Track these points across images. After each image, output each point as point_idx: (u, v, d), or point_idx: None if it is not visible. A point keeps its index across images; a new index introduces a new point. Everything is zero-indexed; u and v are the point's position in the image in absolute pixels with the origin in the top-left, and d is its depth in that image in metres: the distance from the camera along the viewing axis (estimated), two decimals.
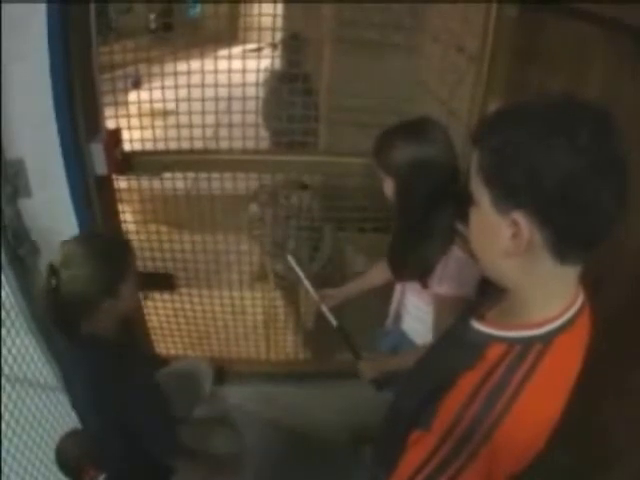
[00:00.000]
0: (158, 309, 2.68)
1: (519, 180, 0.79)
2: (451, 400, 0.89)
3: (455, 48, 2.34)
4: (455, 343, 1.06)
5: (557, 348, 0.88)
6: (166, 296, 2.66)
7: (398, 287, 1.90)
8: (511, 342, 0.89)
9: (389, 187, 1.57)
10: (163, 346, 2.85)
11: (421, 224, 1.54)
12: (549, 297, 0.90)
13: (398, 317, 1.95)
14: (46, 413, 2.20)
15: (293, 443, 2.59)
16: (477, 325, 0.98)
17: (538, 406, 0.88)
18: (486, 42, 1.95)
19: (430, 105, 2.69)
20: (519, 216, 0.80)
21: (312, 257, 2.93)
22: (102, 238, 1.75)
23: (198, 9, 6.84)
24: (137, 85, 2.35)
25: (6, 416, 1.96)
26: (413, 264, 1.61)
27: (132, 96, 2.21)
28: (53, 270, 1.50)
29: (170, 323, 2.75)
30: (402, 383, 1.26)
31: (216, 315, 2.72)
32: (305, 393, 2.78)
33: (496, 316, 0.99)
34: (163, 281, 2.54)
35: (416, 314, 1.83)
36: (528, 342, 0.88)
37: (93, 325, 1.60)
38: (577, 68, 1.56)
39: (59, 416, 2.25)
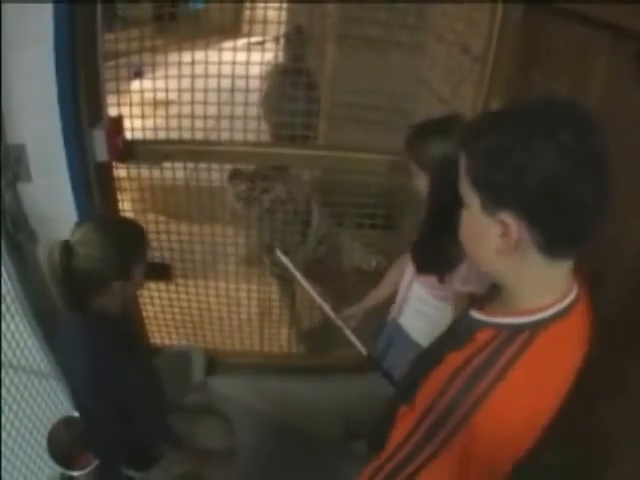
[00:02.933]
0: (154, 299, 2.68)
1: (505, 182, 0.82)
2: (435, 377, 0.94)
3: (459, 48, 2.34)
4: (452, 330, 1.12)
5: (547, 338, 0.90)
6: (162, 286, 2.66)
7: (405, 281, 1.90)
8: (500, 327, 0.93)
9: (422, 182, 1.59)
10: (158, 336, 2.85)
11: (452, 220, 1.56)
12: (540, 290, 0.92)
13: (400, 311, 1.95)
14: (38, 400, 2.20)
15: (284, 436, 2.60)
16: (472, 313, 1.02)
17: (522, 394, 0.89)
18: (490, 43, 1.96)
19: (432, 104, 2.70)
20: (507, 217, 0.83)
21: (301, 242, 2.91)
22: (118, 221, 1.81)
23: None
24: (139, 74, 2.35)
25: (8, 400, 1.96)
26: (439, 259, 1.62)
27: (135, 85, 2.20)
28: (68, 248, 1.51)
29: (165, 313, 2.75)
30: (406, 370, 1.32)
31: (211, 306, 2.73)
32: (298, 386, 2.79)
33: (493, 306, 1.02)
34: (160, 271, 2.54)
35: (419, 308, 1.83)
36: (516, 329, 0.91)
37: (102, 304, 1.61)
38: (580, 72, 1.57)
39: (51, 403, 2.26)
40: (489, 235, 0.88)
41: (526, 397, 0.90)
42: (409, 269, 1.86)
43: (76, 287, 1.53)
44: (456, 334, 1.04)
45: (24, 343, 2.04)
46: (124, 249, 1.60)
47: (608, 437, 1.42)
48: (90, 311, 1.61)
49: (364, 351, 1.87)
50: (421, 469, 0.94)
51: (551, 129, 0.79)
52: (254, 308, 2.81)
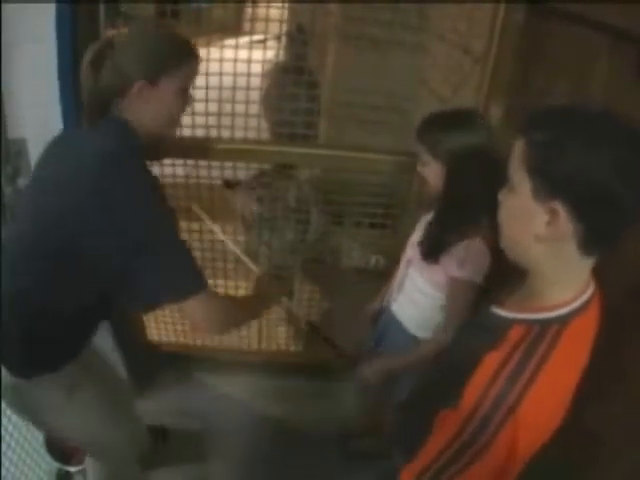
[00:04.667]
0: None
1: (563, 174, 0.87)
2: (476, 379, 0.96)
3: (460, 49, 2.35)
4: (479, 328, 1.14)
5: (572, 329, 0.96)
6: None
7: (402, 267, 1.92)
8: (530, 323, 0.98)
9: (432, 171, 1.62)
10: (156, 332, 2.86)
11: (461, 208, 1.61)
12: (567, 282, 0.99)
13: (394, 297, 1.96)
14: None
15: (282, 434, 2.61)
16: (498, 310, 1.07)
17: (556, 383, 0.96)
18: (491, 44, 1.96)
19: (432, 104, 2.70)
20: (559, 207, 0.88)
21: (301, 241, 2.92)
22: (169, 31, 1.54)
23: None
24: None
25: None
26: (440, 241, 1.66)
27: None
28: (109, 42, 1.41)
29: (163, 310, 2.75)
30: (427, 370, 1.39)
31: None
32: (294, 385, 2.80)
33: (515, 301, 1.07)
34: None
35: (412, 295, 1.85)
36: (546, 323, 0.97)
37: (123, 111, 1.45)
38: (580, 73, 1.58)
39: None
40: (534, 221, 0.92)
41: (559, 383, 0.98)
42: (406, 256, 1.88)
43: (100, 86, 1.41)
44: (484, 331, 1.07)
45: None
46: (159, 50, 1.44)
47: (602, 436, 1.43)
48: (110, 115, 1.46)
49: (255, 269, 2.03)
50: (466, 468, 0.98)
51: (614, 137, 0.86)
52: None
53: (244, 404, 2.71)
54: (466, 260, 1.61)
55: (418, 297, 1.83)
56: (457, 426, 0.97)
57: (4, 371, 1.47)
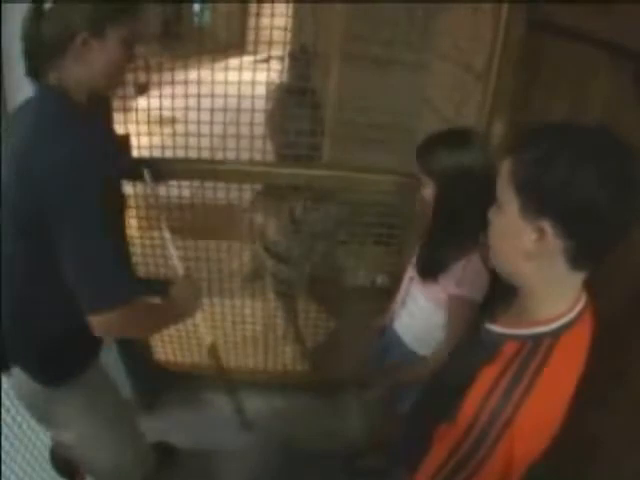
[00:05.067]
0: None
1: (552, 193, 0.88)
2: (473, 394, 0.97)
3: (462, 66, 2.37)
4: (474, 344, 1.15)
5: (565, 343, 0.98)
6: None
7: (404, 285, 1.93)
8: (523, 339, 0.99)
9: (429, 192, 1.64)
10: (162, 351, 2.86)
11: (453, 226, 1.63)
12: (558, 297, 1.00)
13: (396, 315, 1.97)
14: None
15: (288, 452, 2.60)
16: (491, 327, 1.08)
17: (550, 395, 0.97)
18: (493, 61, 1.99)
19: (435, 123, 2.72)
20: (546, 224, 0.89)
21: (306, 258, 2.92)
22: None
23: (207, 17, 6.95)
24: (142, 91, 2.37)
25: (2, 414, 1.96)
26: (439, 259, 1.67)
27: (140, 103, 2.23)
28: None
29: (169, 329, 2.75)
30: (426, 385, 1.39)
31: (216, 323, 2.73)
32: (300, 403, 2.79)
33: (508, 317, 1.08)
34: (164, 288, 2.55)
35: (413, 312, 1.86)
36: (538, 338, 0.98)
37: (62, 75, 1.36)
38: (579, 90, 1.60)
39: None
40: (522, 238, 0.93)
41: (553, 396, 0.99)
42: (408, 274, 1.89)
43: (41, 40, 1.32)
44: (479, 347, 1.09)
45: None
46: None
47: (601, 443, 1.43)
48: (48, 81, 1.37)
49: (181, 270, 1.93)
50: None
51: (602, 153, 0.87)
52: (259, 325, 2.82)
53: (250, 423, 2.70)
54: (464, 278, 1.62)
55: (419, 315, 1.84)
56: (456, 440, 0.99)
57: (26, 378, 1.50)
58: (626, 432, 1.36)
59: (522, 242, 0.93)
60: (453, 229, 1.63)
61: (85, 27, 1.31)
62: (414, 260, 1.86)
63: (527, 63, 1.90)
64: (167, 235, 1.90)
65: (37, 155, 1.27)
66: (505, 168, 0.95)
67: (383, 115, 2.66)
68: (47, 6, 1.30)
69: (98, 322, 1.35)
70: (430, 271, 1.71)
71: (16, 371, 1.51)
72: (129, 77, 2.11)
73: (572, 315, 0.99)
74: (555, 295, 0.99)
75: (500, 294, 1.19)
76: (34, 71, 1.37)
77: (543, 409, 0.96)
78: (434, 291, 1.73)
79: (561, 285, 0.98)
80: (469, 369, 1.01)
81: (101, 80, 1.41)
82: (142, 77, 2.21)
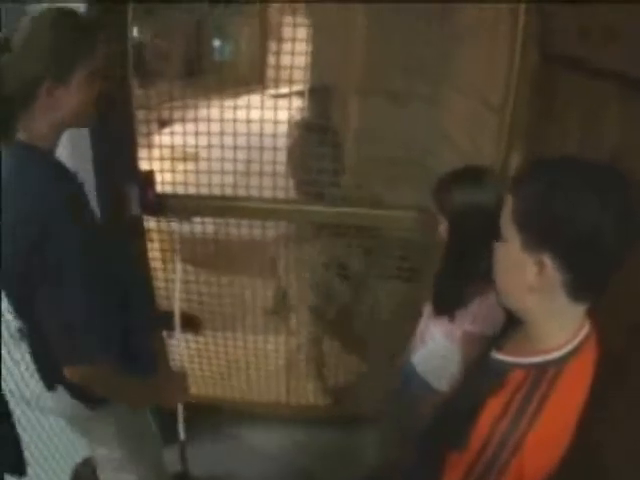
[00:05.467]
0: (181, 349, 2.72)
1: (552, 228, 0.90)
2: (482, 421, 0.98)
3: (479, 100, 2.41)
4: (480, 373, 1.16)
5: (569, 370, 0.98)
6: (189, 336, 2.71)
7: (423, 320, 1.93)
8: (528, 367, 1.00)
9: (444, 227, 1.66)
10: None
11: (467, 263, 1.63)
12: (561, 327, 1.00)
13: (415, 350, 1.97)
14: (64, 439, 2.22)
15: None
16: (497, 355, 1.09)
17: (556, 421, 0.98)
18: (509, 94, 2.02)
19: (454, 157, 2.75)
20: (547, 258, 0.91)
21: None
22: (70, 11, 1.34)
23: (227, 53, 7.13)
24: (165, 124, 2.44)
25: (25, 439, 1.98)
26: (453, 297, 1.69)
27: (164, 139, 2.31)
28: (4, 43, 1.24)
29: (193, 363, 2.79)
30: (435, 412, 1.36)
31: (238, 357, 2.75)
32: (323, 438, 2.77)
33: (513, 346, 1.09)
34: (188, 322, 2.59)
35: (430, 347, 1.86)
36: (543, 367, 0.99)
37: (31, 126, 1.30)
38: (592, 121, 1.61)
39: (77, 442, 2.25)
40: (525, 272, 0.95)
41: (560, 422, 1.00)
42: (427, 309, 1.89)
43: (3, 93, 1.24)
44: (485, 376, 1.09)
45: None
46: (66, 37, 1.27)
47: (604, 460, 1.42)
48: (17, 138, 1.30)
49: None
50: None
51: (602, 189, 0.88)
52: (281, 360, 2.84)
53: (272, 456, 2.69)
54: (479, 315, 1.63)
55: (436, 350, 1.84)
56: (467, 466, 1.00)
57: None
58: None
59: (524, 276, 0.95)
60: (466, 266, 1.64)
61: (49, 75, 1.25)
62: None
63: (541, 95, 1.93)
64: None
65: (5, 209, 1.25)
66: (507, 204, 0.98)
67: (402, 150, 2.70)
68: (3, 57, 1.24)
69: (68, 373, 1.38)
70: (445, 307, 1.73)
71: (60, 389, 1.54)
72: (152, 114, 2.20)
73: (574, 344, 1.00)
74: (558, 326, 1.00)
75: (506, 323, 1.21)
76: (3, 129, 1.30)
77: (550, 434, 0.98)
78: (450, 328, 1.74)
79: (563, 316, 1.00)
80: (477, 397, 1.03)
81: (72, 120, 1.37)
82: (164, 114, 2.29)
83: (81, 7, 1.64)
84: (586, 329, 1.03)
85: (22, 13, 1.32)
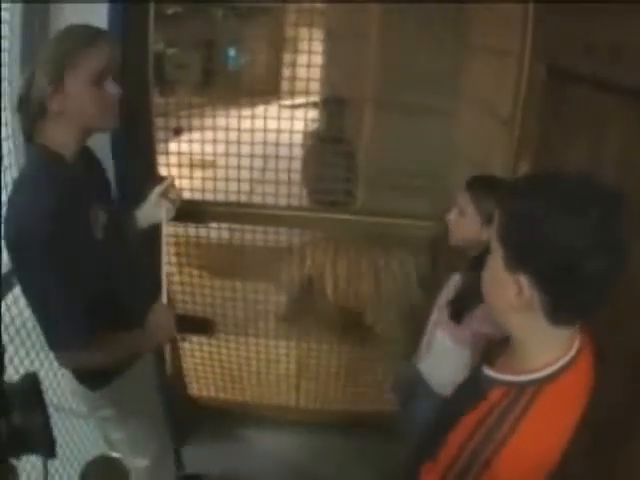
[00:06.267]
0: (194, 352, 2.79)
1: (529, 248, 0.90)
2: (456, 434, 1.00)
3: (489, 113, 2.46)
4: (467, 386, 1.17)
5: (554, 390, 0.97)
6: (202, 340, 2.76)
7: (429, 329, 1.97)
8: (509, 385, 0.99)
9: (470, 223, 1.70)
10: (196, 387, 2.95)
11: None
12: (543, 348, 0.99)
13: (422, 357, 2.00)
14: (76, 438, 2.26)
15: None
16: (486, 370, 1.07)
17: (534, 442, 0.96)
18: (517, 107, 2.08)
19: (464, 168, 2.80)
20: (523, 279, 0.91)
21: None
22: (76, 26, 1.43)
23: (243, 64, 7.23)
24: (178, 133, 2.50)
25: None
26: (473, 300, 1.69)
27: (183, 146, 2.37)
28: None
29: (205, 366, 2.84)
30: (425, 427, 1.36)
31: (250, 361, 2.81)
32: (332, 442, 2.81)
33: (502, 361, 1.08)
34: (201, 325, 2.65)
35: (439, 356, 1.89)
36: (522, 386, 0.98)
37: (47, 135, 1.41)
38: (597, 135, 1.66)
39: (87, 442, 2.32)
40: (505, 289, 0.95)
41: (538, 442, 0.97)
42: (433, 318, 1.93)
43: (23, 104, 1.38)
44: (472, 390, 1.09)
45: (57, 383, 2.06)
46: (56, 47, 1.36)
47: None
48: (35, 142, 1.42)
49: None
50: None
51: (582, 208, 0.86)
52: (292, 364, 2.89)
53: (281, 459, 2.73)
54: (486, 315, 1.65)
55: (445, 357, 1.85)
56: (438, 477, 1.01)
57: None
58: None
59: (506, 294, 0.95)
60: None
61: (47, 81, 1.33)
62: (439, 304, 1.91)
63: (549, 108, 1.98)
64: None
65: (7, 208, 1.35)
66: (495, 218, 0.98)
67: (415, 161, 2.75)
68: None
69: (58, 358, 1.48)
70: (459, 310, 1.76)
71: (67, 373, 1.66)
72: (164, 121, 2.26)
73: (560, 364, 0.98)
74: (540, 346, 0.99)
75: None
76: (26, 134, 1.42)
77: (526, 455, 0.95)
78: (458, 331, 1.77)
79: (546, 337, 0.98)
80: (458, 409, 1.04)
81: (86, 122, 1.43)
82: (175, 122, 2.35)
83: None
84: (576, 347, 1.01)
85: None
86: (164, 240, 1.80)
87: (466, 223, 1.72)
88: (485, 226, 1.66)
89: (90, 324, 1.42)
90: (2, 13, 1.62)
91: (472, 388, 1.09)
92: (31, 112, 1.37)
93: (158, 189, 1.85)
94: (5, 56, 1.72)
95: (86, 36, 1.38)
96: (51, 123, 1.38)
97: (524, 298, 0.92)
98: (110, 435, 1.83)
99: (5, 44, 1.71)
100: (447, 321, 1.80)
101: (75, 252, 1.38)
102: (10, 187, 1.47)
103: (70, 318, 1.39)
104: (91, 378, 1.63)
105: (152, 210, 1.83)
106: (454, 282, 1.87)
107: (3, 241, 1.36)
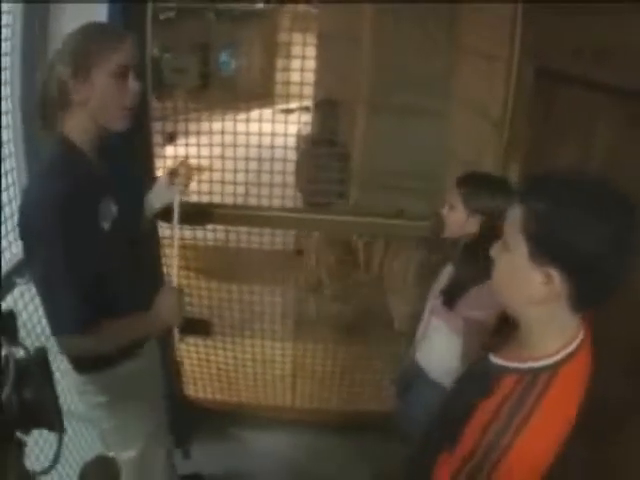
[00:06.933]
0: (191, 353, 2.81)
1: (561, 244, 0.94)
2: (472, 424, 1.03)
3: (480, 114, 2.49)
4: (476, 375, 1.19)
5: (563, 376, 1.02)
6: (199, 341, 2.79)
7: (425, 317, 2.00)
8: (522, 373, 1.03)
9: (457, 217, 1.77)
10: (193, 388, 2.97)
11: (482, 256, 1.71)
12: (557, 335, 1.04)
13: (419, 347, 2.03)
14: (74, 440, 2.24)
15: None
16: (494, 359, 1.11)
17: (548, 426, 1.01)
18: (507, 109, 2.12)
19: (458, 169, 2.83)
20: (554, 272, 0.95)
21: None
22: (98, 23, 1.53)
23: (232, 66, 7.25)
24: (172, 139, 2.53)
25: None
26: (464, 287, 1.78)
27: (179, 150, 2.40)
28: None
29: (202, 367, 2.86)
30: (433, 416, 1.38)
31: (246, 362, 2.83)
32: (328, 441, 2.83)
33: (509, 350, 1.12)
34: (199, 326, 2.67)
35: (435, 343, 1.92)
36: (537, 372, 1.02)
37: (67, 125, 1.45)
38: (585, 133, 1.70)
39: (84, 443, 2.31)
40: (530, 281, 0.98)
41: (551, 427, 1.02)
42: (429, 306, 1.97)
43: (45, 96, 1.43)
44: (481, 380, 1.11)
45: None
46: (81, 43, 1.40)
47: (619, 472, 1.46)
48: (57, 131, 1.46)
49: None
50: None
51: (608, 211, 0.93)
52: (288, 365, 2.91)
53: (278, 459, 2.74)
54: (477, 302, 1.71)
55: (442, 346, 1.89)
56: (455, 468, 1.05)
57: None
58: None
59: (529, 284, 0.98)
60: (480, 259, 1.73)
61: (70, 75, 1.37)
62: (434, 291, 1.95)
63: (538, 109, 2.02)
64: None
65: (23, 195, 1.46)
66: (515, 214, 1.01)
67: (407, 162, 2.78)
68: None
69: (61, 344, 1.51)
70: (451, 297, 1.81)
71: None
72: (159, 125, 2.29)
73: (569, 350, 1.03)
74: (554, 333, 1.04)
75: (502, 326, 1.26)
76: (45, 124, 1.47)
77: (540, 439, 1.00)
78: (451, 317, 1.81)
79: (560, 324, 1.03)
80: (469, 400, 1.07)
81: (105, 117, 1.47)
82: (171, 126, 2.39)
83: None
84: (580, 336, 1.06)
85: None
86: (176, 219, 1.78)
87: (456, 216, 1.78)
88: (471, 218, 1.75)
89: (93, 309, 1.45)
90: (3, 16, 1.65)
91: (480, 378, 1.12)
92: (51, 102, 1.41)
93: (168, 169, 1.88)
94: (7, 60, 1.74)
95: (114, 33, 1.45)
96: (71, 114, 1.43)
97: (552, 288, 0.96)
98: (98, 424, 1.84)
99: (7, 47, 1.74)
100: (441, 309, 1.85)
101: (83, 240, 1.42)
102: (12, 189, 1.50)
103: (74, 302, 1.42)
104: (81, 361, 1.64)
105: (164, 191, 1.85)
106: (448, 272, 1.92)
107: (18, 228, 1.41)
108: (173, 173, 1.84)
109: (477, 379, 1.15)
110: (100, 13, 1.77)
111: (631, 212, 0.93)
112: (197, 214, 2.29)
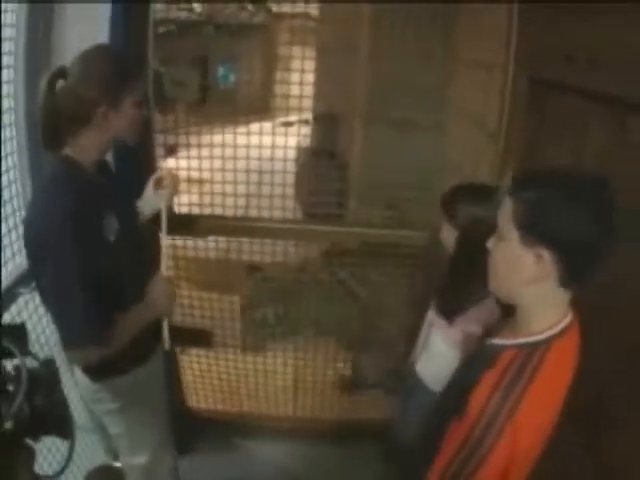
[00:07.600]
0: (192, 363, 2.83)
1: (547, 227, 1.06)
2: (478, 393, 1.12)
3: (476, 125, 2.52)
4: (476, 356, 1.32)
5: (556, 350, 1.13)
6: (200, 352, 2.81)
7: (424, 329, 2.03)
8: (520, 347, 1.15)
9: (449, 235, 1.79)
10: (194, 399, 2.98)
11: (474, 268, 1.73)
12: (550, 311, 1.16)
13: (418, 358, 2.05)
14: (79, 450, 2.24)
15: None
16: (493, 340, 1.24)
17: (545, 395, 1.12)
18: (502, 119, 2.15)
19: (454, 179, 2.86)
20: (544, 252, 1.06)
21: None
22: (116, 48, 1.64)
23: (232, 79, 7.30)
24: (172, 151, 2.56)
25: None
26: (459, 301, 1.81)
27: (181, 162, 2.44)
28: (62, 71, 1.44)
29: (203, 377, 2.88)
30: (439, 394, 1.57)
31: (248, 372, 2.85)
32: (330, 452, 2.84)
33: (505, 332, 1.24)
34: (200, 337, 2.70)
35: (434, 355, 1.94)
36: (533, 346, 1.13)
37: (78, 145, 1.51)
38: (577, 140, 1.73)
39: (90, 454, 2.33)
40: (523, 263, 1.09)
41: (548, 395, 1.14)
42: (428, 318, 1.99)
43: (58, 114, 1.44)
44: (480, 358, 1.23)
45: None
46: (116, 70, 1.48)
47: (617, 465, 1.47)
48: (61, 153, 1.51)
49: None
50: (475, 471, 1.11)
51: (593, 197, 1.05)
52: (289, 375, 2.93)
53: (278, 468, 2.76)
54: (478, 319, 1.73)
55: (441, 360, 1.90)
56: (464, 434, 1.12)
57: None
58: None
59: (522, 265, 1.09)
60: (471, 273, 1.75)
61: (103, 101, 1.45)
62: (433, 306, 1.98)
63: (532, 119, 2.05)
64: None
65: (28, 210, 1.51)
66: (506, 206, 1.12)
67: (405, 174, 2.80)
68: (60, 83, 1.44)
69: (71, 356, 1.58)
70: (447, 311, 1.83)
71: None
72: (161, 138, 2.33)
73: (561, 326, 1.14)
74: (547, 309, 1.15)
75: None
76: (51, 143, 1.49)
77: (540, 406, 1.11)
78: (450, 332, 1.83)
79: (552, 301, 1.14)
80: (474, 374, 1.17)
81: (124, 136, 1.58)
82: (173, 139, 2.42)
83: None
84: (570, 315, 1.17)
85: None
86: (164, 225, 1.81)
87: (445, 236, 1.82)
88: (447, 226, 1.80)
89: (104, 318, 1.49)
90: (8, 16, 1.71)
91: (480, 358, 1.23)
92: (65, 121, 1.46)
93: (153, 177, 1.92)
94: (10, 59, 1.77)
95: (136, 61, 1.58)
96: (86, 135, 1.49)
97: (543, 267, 1.06)
98: (110, 429, 1.87)
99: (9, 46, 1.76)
100: (440, 321, 1.87)
101: (91, 254, 1.45)
102: (14, 201, 1.53)
103: (87, 315, 1.45)
104: (95, 370, 1.67)
105: (151, 198, 1.90)
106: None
107: (23, 242, 1.45)
108: (158, 181, 1.89)
109: (479, 358, 1.25)
110: (102, 29, 1.82)
111: (608, 192, 1.04)
112: (199, 226, 2.32)
